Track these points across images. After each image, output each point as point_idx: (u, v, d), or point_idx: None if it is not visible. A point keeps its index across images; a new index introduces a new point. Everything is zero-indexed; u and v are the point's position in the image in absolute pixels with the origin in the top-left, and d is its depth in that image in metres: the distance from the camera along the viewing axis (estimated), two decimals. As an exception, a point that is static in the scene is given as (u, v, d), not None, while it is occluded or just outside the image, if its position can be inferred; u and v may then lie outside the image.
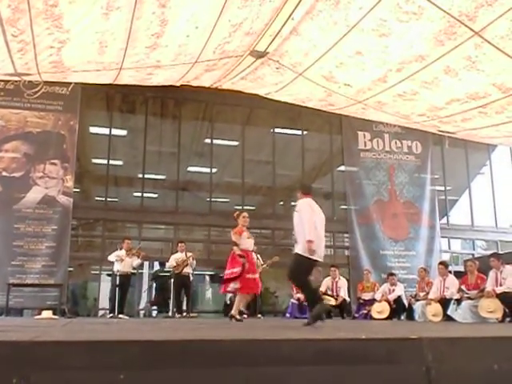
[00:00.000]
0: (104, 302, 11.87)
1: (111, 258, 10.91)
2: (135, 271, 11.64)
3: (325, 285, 11.70)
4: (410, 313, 10.71)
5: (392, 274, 11.48)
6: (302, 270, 5.86)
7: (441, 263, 10.51)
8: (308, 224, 5.76)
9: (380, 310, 10.81)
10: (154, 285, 14.26)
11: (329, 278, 11.81)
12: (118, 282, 10.78)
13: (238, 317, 7.16)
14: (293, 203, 15.83)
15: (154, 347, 2.34)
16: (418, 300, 10.44)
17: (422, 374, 2.53)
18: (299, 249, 5.79)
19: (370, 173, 14.56)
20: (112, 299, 10.87)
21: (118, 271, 10.76)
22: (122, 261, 10.71)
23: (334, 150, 15.13)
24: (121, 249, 10.94)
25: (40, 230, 11.71)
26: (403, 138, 15.00)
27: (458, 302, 9.24)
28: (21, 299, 11.23)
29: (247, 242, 7.48)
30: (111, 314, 10.64)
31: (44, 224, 11.76)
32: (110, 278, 11.33)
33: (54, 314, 9.68)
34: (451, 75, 4.35)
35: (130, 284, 10.97)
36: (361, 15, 3.80)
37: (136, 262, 10.84)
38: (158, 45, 4.29)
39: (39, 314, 9.58)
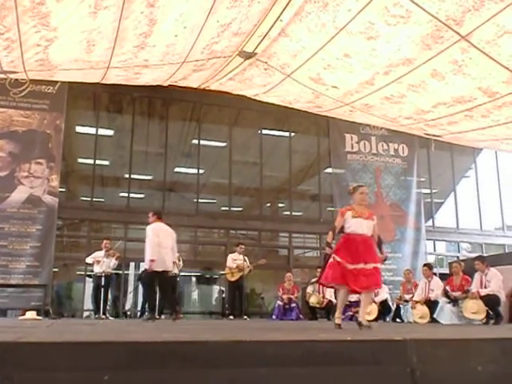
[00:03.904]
0: (89, 302, 11.79)
1: (88, 260, 10.93)
2: (115, 271, 11.54)
3: (311, 286, 11.73)
4: (396, 314, 10.78)
5: None
6: (145, 280, 8.20)
7: (425, 265, 10.58)
8: (149, 246, 7.77)
9: (368, 310, 10.86)
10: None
11: (315, 279, 11.82)
12: (97, 283, 10.76)
13: (364, 322, 5.49)
14: (280, 205, 15.99)
15: (138, 348, 2.32)
16: (406, 301, 10.53)
17: (406, 376, 2.54)
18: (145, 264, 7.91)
19: (356, 175, 14.63)
20: (94, 300, 10.83)
21: (96, 272, 10.74)
22: (98, 262, 10.69)
23: (321, 151, 15.19)
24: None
25: (25, 230, 11.61)
26: (390, 140, 15.11)
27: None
28: (5, 300, 11.13)
29: (355, 224, 5.64)
30: (96, 315, 10.59)
31: (29, 224, 11.66)
32: (91, 279, 11.29)
33: (38, 314, 9.60)
34: (438, 79, 4.38)
35: (109, 284, 10.90)
36: (349, 17, 3.81)
37: (112, 262, 10.80)
38: (146, 44, 4.27)
39: (23, 314, 9.50)
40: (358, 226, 5.62)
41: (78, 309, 12.85)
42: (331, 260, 5.63)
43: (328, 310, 11.48)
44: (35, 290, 11.29)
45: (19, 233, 11.58)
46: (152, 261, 7.76)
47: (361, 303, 5.83)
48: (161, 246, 7.89)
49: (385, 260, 6.08)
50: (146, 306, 11.84)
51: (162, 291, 8.54)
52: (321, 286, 11.61)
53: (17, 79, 10.70)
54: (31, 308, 10.11)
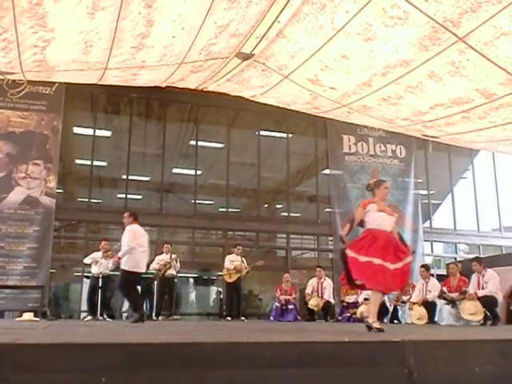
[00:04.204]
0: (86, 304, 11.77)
1: (86, 260, 10.89)
2: (112, 273, 11.51)
3: (310, 285, 11.76)
4: (394, 315, 10.78)
5: None
6: (126, 282, 8.05)
7: (422, 266, 10.59)
8: (124, 245, 7.94)
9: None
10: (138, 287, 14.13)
11: (314, 278, 11.84)
12: (94, 284, 10.74)
13: (375, 325, 4.97)
14: (278, 206, 15.99)
15: (136, 350, 2.32)
16: (403, 302, 10.52)
17: (404, 377, 2.54)
18: (123, 265, 7.97)
19: (354, 176, 14.64)
20: (90, 301, 10.80)
21: (94, 273, 10.72)
22: (96, 263, 10.66)
23: (318, 153, 15.19)
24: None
25: (22, 231, 11.58)
26: (387, 141, 15.11)
27: None
28: (1, 301, 11.10)
29: (378, 218, 5.20)
30: (89, 317, 10.53)
31: (26, 225, 11.63)
32: (88, 280, 11.25)
33: (36, 316, 9.56)
34: (435, 80, 4.39)
35: (107, 286, 10.87)
36: (347, 19, 3.81)
37: (111, 263, 10.77)
38: (144, 45, 4.26)
39: (20, 316, 9.47)
40: (382, 221, 5.19)
41: (76, 310, 12.82)
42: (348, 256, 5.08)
43: (326, 310, 11.49)
44: (32, 292, 11.26)
45: (16, 234, 11.55)
46: (120, 258, 8.14)
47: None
48: (139, 248, 8.05)
49: (413, 252, 5.71)
50: (150, 307, 11.95)
51: (134, 291, 8.63)
52: (320, 286, 11.64)
53: (14, 80, 10.69)
54: (28, 309, 10.07)
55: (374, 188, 5.49)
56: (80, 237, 13.42)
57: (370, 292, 10.83)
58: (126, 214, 8.39)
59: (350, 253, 5.06)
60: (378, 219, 5.17)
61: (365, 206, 5.28)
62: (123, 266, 8.02)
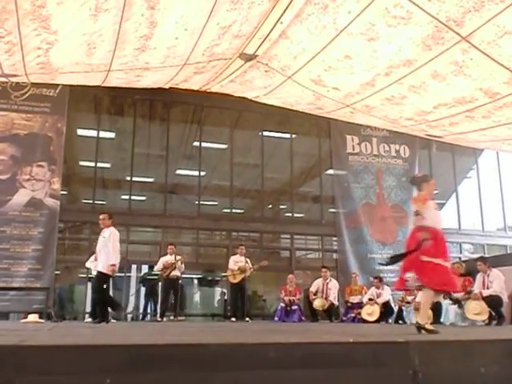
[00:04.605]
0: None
1: (88, 264, 10.82)
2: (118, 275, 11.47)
3: (315, 285, 11.75)
4: (398, 316, 10.76)
5: (376, 278, 11.50)
6: (106, 283, 8.28)
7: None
8: (114, 250, 7.98)
9: (370, 311, 10.84)
10: (143, 288, 14.15)
11: (320, 279, 11.83)
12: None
13: (429, 326, 4.58)
14: (281, 206, 15.98)
15: (140, 351, 2.32)
16: (408, 303, 10.50)
17: (408, 378, 2.54)
18: (101, 267, 8.08)
19: (358, 176, 14.63)
20: (93, 303, 10.76)
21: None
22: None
23: (322, 153, 15.18)
24: None
25: (26, 233, 11.61)
26: (391, 141, 15.09)
27: None
28: (7, 303, 11.11)
29: (436, 216, 4.92)
30: (89, 319, 10.52)
31: (30, 227, 11.66)
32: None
33: (41, 317, 9.58)
34: (439, 80, 4.38)
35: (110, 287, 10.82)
36: (349, 19, 3.81)
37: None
38: (147, 47, 4.27)
39: (25, 317, 9.49)
40: (438, 218, 4.92)
41: (80, 311, 12.84)
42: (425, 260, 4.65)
43: (330, 311, 11.48)
44: (37, 293, 11.27)
45: (21, 236, 11.57)
46: (114, 265, 8.05)
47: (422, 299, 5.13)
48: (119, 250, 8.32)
49: None
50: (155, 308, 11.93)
51: (105, 293, 8.67)
52: (325, 287, 11.63)
53: (18, 82, 10.71)
54: (33, 311, 10.09)
55: (422, 182, 5.05)
56: (84, 238, 13.43)
57: (373, 293, 10.92)
58: (105, 216, 8.34)
59: (426, 258, 4.66)
60: (436, 217, 4.89)
61: (425, 201, 4.86)
62: (104, 270, 8.09)
